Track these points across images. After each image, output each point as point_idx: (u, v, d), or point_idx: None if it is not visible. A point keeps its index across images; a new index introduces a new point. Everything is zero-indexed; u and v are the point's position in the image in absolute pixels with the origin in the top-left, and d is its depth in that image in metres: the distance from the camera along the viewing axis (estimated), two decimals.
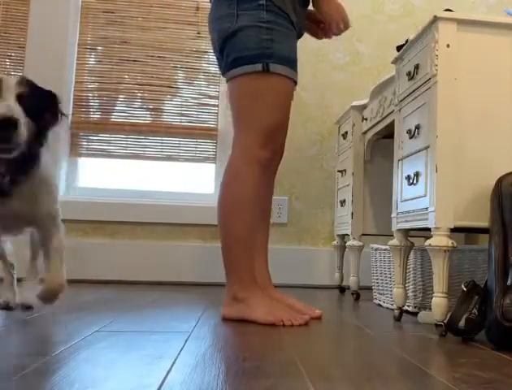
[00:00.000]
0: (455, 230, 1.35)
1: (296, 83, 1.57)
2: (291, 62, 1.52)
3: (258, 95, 1.51)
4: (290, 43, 1.54)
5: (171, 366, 0.91)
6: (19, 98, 1.13)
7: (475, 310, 1.23)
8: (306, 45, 2.33)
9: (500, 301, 1.15)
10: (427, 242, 1.36)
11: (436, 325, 1.32)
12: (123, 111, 2.76)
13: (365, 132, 2.16)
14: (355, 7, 2.79)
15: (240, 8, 1.49)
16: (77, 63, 2.73)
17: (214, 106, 2.76)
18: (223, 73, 1.59)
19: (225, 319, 1.46)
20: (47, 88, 1.25)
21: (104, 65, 2.76)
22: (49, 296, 1.32)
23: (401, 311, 1.58)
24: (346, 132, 2.31)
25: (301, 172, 2.67)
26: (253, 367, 0.91)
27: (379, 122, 1.97)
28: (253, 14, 1.48)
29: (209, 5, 1.62)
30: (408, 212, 1.52)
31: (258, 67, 1.47)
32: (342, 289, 2.36)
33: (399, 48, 1.65)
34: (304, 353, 1.07)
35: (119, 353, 1.00)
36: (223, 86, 2.75)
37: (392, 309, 1.66)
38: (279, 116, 1.54)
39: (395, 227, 1.62)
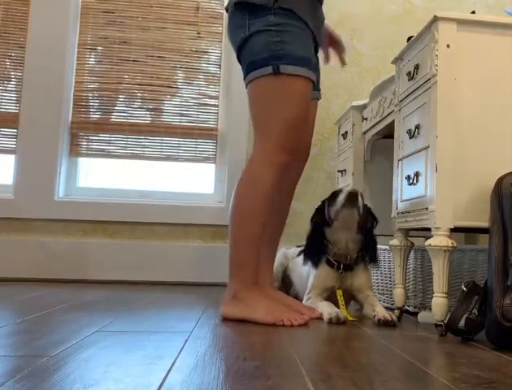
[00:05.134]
0: (455, 230, 1.35)
1: (313, 82, 1.56)
2: (304, 61, 1.52)
3: (272, 97, 1.51)
4: (303, 43, 1.54)
5: (171, 366, 0.91)
6: None
7: (475, 310, 1.23)
8: None
9: (500, 301, 1.15)
10: (427, 242, 1.36)
11: (436, 325, 1.32)
12: (123, 111, 2.76)
13: (365, 132, 2.16)
14: (355, 7, 2.80)
15: (251, 18, 1.53)
16: (77, 63, 2.73)
17: (214, 106, 2.76)
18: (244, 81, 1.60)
19: (224, 318, 1.46)
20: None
21: (104, 65, 2.76)
22: None
23: (401, 311, 1.59)
24: (346, 132, 2.30)
25: None
26: (253, 367, 0.91)
27: (379, 122, 1.97)
28: (262, 20, 1.51)
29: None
30: (408, 212, 1.52)
31: (269, 69, 1.49)
32: None
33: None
34: (304, 353, 1.07)
35: (119, 353, 1.00)
36: (223, 86, 2.76)
37: (392, 309, 1.66)
38: (295, 117, 1.53)
39: (395, 226, 1.62)
